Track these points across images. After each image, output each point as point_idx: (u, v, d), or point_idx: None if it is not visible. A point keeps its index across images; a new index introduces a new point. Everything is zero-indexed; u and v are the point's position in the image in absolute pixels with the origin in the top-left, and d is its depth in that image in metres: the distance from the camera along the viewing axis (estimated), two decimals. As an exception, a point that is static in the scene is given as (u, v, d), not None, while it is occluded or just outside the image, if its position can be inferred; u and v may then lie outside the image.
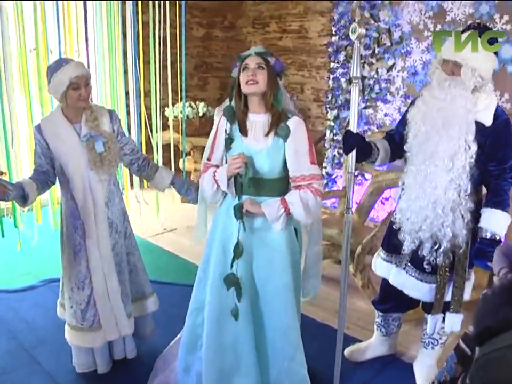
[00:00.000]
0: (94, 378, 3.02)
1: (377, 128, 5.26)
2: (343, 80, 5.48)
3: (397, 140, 2.84)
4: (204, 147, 2.71)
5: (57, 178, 2.86)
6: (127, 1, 5.39)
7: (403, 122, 2.79)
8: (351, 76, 2.50)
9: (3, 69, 4.66)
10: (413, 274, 2.79)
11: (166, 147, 5.73)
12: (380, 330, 3.22)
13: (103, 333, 2.91)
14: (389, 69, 5.14)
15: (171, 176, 3.08)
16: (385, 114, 5.25)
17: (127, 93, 5.69)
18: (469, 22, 3.22)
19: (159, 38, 5.32)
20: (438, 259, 2.66)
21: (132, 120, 5.66)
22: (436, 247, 2.64)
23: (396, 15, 4.98)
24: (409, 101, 3.76)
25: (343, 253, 2.64)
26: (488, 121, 2.54)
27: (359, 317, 3.74)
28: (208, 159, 2.61)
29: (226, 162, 2.50)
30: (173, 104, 5.89)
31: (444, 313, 2.79)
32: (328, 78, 5.77)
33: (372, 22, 5.08)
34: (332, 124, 5.65)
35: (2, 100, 4.59)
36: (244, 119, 2.46)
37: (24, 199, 2.67)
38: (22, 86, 4.93)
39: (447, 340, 3.01)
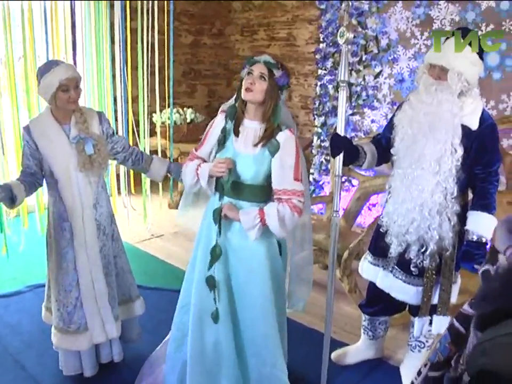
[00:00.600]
0: (80, 381, 3.00)
1: (364, 134, 5.29)
2: (330, 86, 5.51)
3: (383, 144, 2.86)
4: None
5: (44, 180, 2.85)
6: (115, 7, 5.39)
7: (390, 126, 2.81)
8: (339, 79, 2.52)
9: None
10: (400, 277, 2.80)
11: (153, 153, 5.67)
12: (367, 334, 3.22)
13: (90, 335, 2.89)
14: (376, 76, 5.17)
15: (166, 166, 3.08)
16: (372, 121, 5.28)
17: (115, 99, 5.68)
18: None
19: (147, 44, 5.32)
20: (424, 262, 2.67)
21: (119, 125, 5.65)
22: (423, 249, 2.65)
23: (383, 23, 5.02)
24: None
25: (330, 256, 2.64)
26: (474, 125, 2.56)
27: (346, 322, 3.75)
28: (196, 150, 2.62)
29: (214, 158, 2.50)
30: (161, 110, 5.88)
31: (431, 316, 2.80)
32: (316, 84, 5.80)
33: (360, 29, 5.12)
34: (319, 130, 5.68)
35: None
36: (239, 122, 2.47)
37: (12, 201, 2.65)
38: (9, 91, 4.91)
39: (434, 342, 3.02)
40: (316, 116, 5.79)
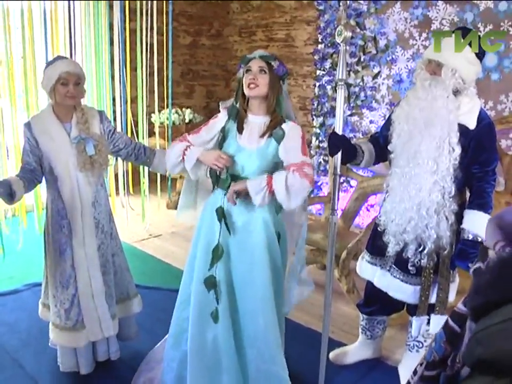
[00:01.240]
0: (77, 379, 2.99)
1: (362, 135, 5.30)
2: (329, 87, 5.52)
3: (381, 143, 2.86)
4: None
5: (44, 177, 2.84)
6: (114, 8, 5.40)
7: (387, 124, 2.82)
8: (337, 78, 2.52)
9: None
10: (398, 276, 2.80)
11: (152, 153, 5.71)
12: (365, 333, 3.22)
13: (87, 333, 2.89)
14: (375, 77, 5.19)
15: None
16: (371, 122, 5.29)
17: (113, 99, 5.68)
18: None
19: (146, 45, 5.33)
20: (422, 261, 2.67)
21: (118, 126, 5.64)
22: (420, 248, 2.65)
23: (382, 24, 5.04)
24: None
25: (328, 254, 2.65)
26: (471, 124, 2.56)
27: (344, 322, 3.74)
28: (189, 134, 2.59)
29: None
30: (159, 111, 5.89)
31: (429, 316, 2.80)
32: (314, 85, 5.81)
33: (358, 30, 5.13)
34: (318, 131, 5.69)
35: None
36: (243, 118, 2.48)
37: (11, 197, 2.65)
38: (8, 91, 4.91)
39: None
40: (314, 117, 5.80)
